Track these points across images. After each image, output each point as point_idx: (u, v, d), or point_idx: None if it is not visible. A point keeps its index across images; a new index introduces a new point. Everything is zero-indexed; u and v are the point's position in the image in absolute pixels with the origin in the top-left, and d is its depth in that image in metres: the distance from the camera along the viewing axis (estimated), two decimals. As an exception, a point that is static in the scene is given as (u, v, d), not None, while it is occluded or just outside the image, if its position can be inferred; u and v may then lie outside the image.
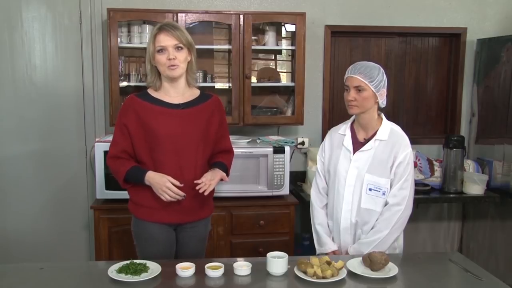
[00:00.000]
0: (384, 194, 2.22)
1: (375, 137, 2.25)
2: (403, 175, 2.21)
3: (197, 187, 2.17)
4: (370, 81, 2.16)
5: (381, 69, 2.22)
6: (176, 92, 2.26)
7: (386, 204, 2.23)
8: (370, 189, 2.22)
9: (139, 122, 2.19)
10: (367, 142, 2.26)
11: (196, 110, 2.26)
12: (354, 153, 2.27)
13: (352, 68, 2.22)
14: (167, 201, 2.15)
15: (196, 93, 2.33)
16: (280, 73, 3.71)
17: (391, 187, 2.22)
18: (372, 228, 2.24)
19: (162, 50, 2.16)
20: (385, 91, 2.23)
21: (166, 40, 2.15)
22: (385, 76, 2.22)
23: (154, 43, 2.17)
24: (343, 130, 2.36)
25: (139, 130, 2.19)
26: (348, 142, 2.30)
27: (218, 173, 2.26)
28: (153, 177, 2.15)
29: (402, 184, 2.21)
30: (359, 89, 2.17)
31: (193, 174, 2.22)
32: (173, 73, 2.18)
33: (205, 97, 2.33)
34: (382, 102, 2.23)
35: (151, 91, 2.27)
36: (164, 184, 2.13)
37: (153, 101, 2.23)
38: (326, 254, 2.29)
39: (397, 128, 2.29)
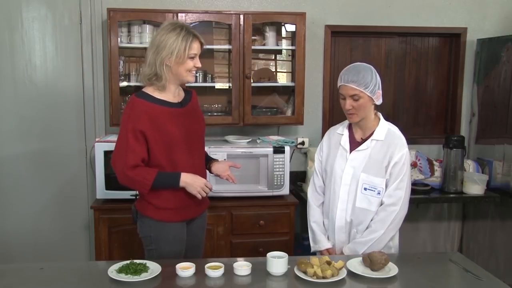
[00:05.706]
0: (379, 193, 2.22)
1: (371, 137, 2.25)
2: (399, 175, 2.21)
3: (231, 180, 2.38)
4: (365, 87, 2.15)
5: (373, 69, 2.20)
6: (175, 92, 2.28)
7: (381, 204, 2.23)
8: (365, 189, 2.23)
9: (154, 126, 2.16)
10: (364, 142, 2.27)
11: (191, 107, 2.33)
12: (350, 152, 2.27)
13: (344, 76, 2.19)
14: (200, 198, 2.23)
15: (181, 90, 2.35)
16: (279, 73, 3.71)
17: (386, 187, 2.22)
18: (367, 228, 2.24)
19: (193, 57, 2.21)
20: (380, 91, 2.22)
21: (198, 48, 2.22)
22: (378, 76, 2.20)
23: (189, 49, 2.17)
24: (341, 129, 2.37)
25: (155, 134, 2.16)
26: (345, 141, 2.31)
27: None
28: (191, 178, 2.20)
29: (397, 184, 2.21)
30: (355, 98, 2.17)
31: (203, 169, 2.36)
32: (193, 79, 2.27)
33: (189, 93, 2.39)
34: (378, 101, 2.23)
35: (149, 92, 2.22)
36: (203, 183, 2.22)
37: (160, 102, 2.21)
38: (320, 251, 2.32)
39: (394, 129, 2.29)
